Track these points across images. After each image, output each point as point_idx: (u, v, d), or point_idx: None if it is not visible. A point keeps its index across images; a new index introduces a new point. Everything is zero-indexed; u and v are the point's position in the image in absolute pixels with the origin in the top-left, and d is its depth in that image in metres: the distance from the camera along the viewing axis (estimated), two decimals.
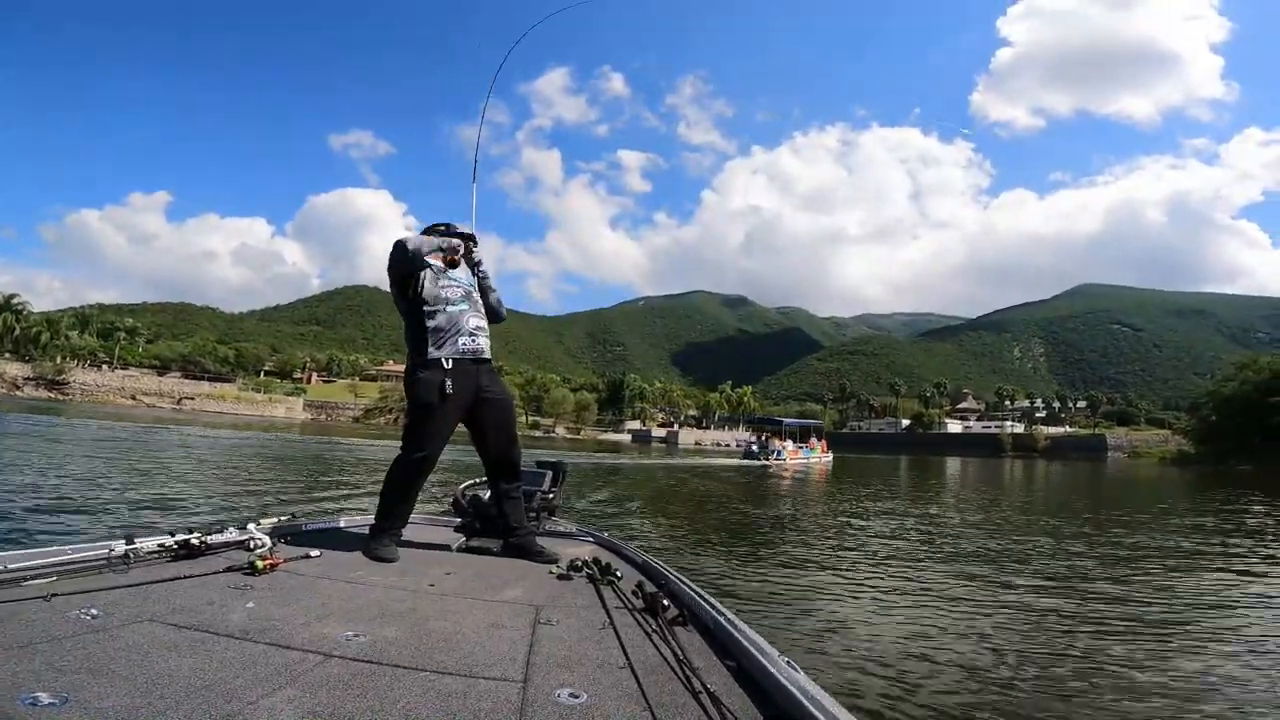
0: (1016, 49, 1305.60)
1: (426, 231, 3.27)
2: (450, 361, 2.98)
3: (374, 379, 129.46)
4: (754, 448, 38.92)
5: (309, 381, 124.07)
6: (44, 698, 1.21)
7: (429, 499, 11.18)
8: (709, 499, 15.35)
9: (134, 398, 79.18)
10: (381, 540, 2.88)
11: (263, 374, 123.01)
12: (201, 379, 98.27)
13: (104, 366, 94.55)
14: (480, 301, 3.24)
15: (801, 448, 41.18)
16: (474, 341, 3.08)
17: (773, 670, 1.54)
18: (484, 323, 3.20)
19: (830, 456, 44.34)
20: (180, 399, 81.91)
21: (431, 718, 1.31)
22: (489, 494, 3.32)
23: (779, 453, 37.50)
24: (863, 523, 11.40)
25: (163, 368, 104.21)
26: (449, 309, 3.06)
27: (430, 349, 2.99)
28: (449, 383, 2.93)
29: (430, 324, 3.02)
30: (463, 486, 3.63)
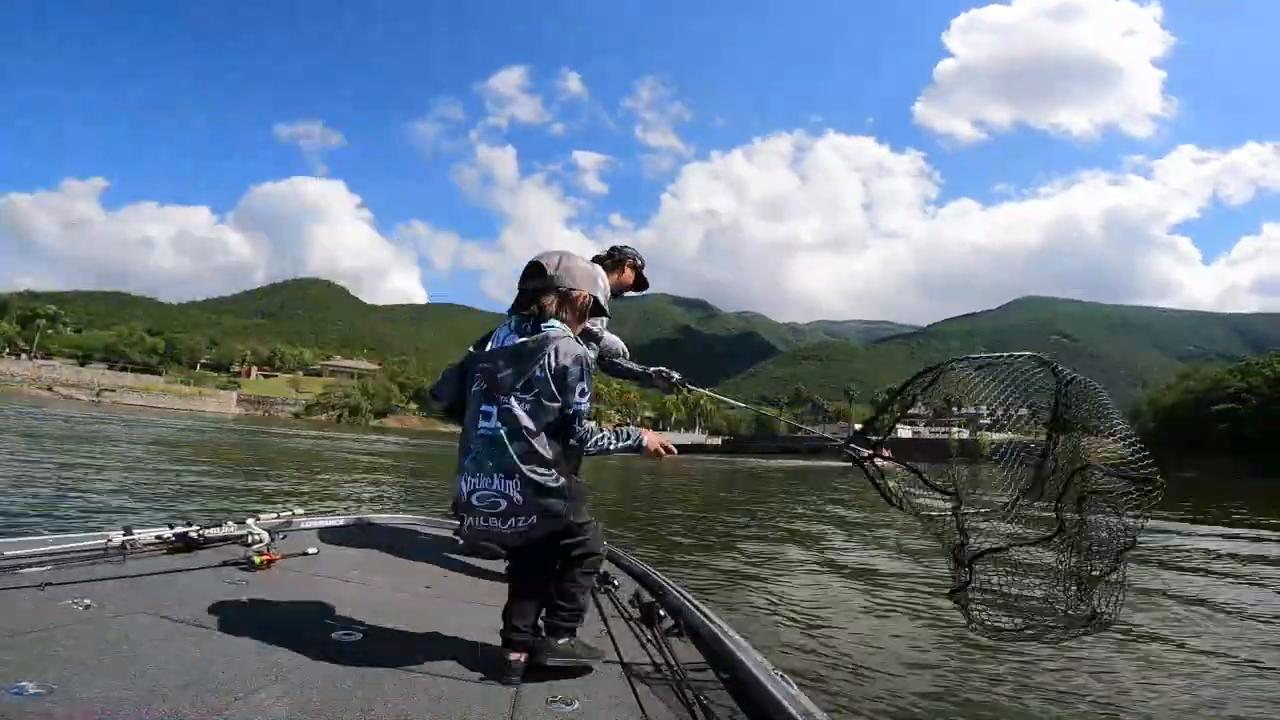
0: (959, 61, 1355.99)
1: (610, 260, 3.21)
2: None
3: (319, 374, 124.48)
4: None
5: (247, 375, 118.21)
6: (31, 687, 1.21)
7: (427, 498, 10.78)
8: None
9: (50, 389, 73.86)
10: None
11: (199, 367, 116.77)
12: (126, 371, 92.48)
13: (23, 355, 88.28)
14: None
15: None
16: None
17: (766, 684, 1.54)
18: None
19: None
20: (100, 391, 76.64)
21: (422, 719, 1.32)
22: None
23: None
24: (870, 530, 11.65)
25: (85, 358, 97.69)
26: None
27: None
28: None
29: None
30: None
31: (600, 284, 2.00)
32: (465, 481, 1.78)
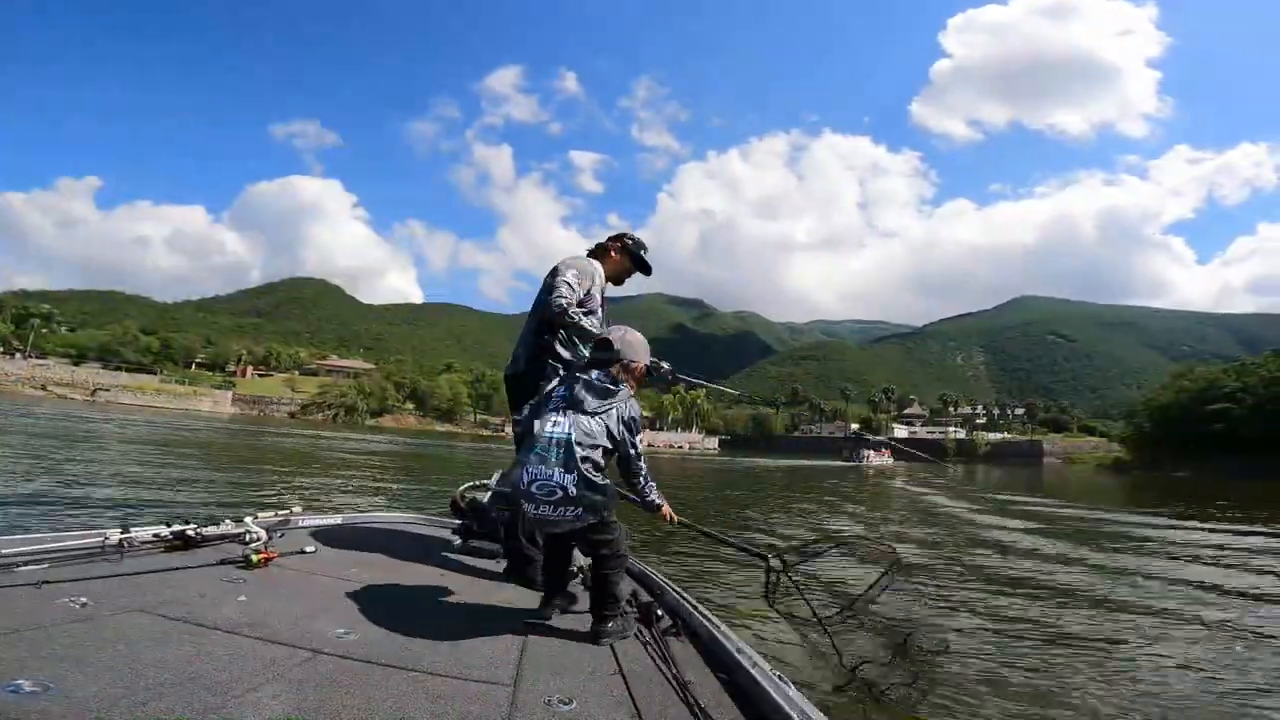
0: (955, 60, 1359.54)
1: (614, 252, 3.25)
2: None
3: (315, 374, 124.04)
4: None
5: (243, 375, 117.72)
6: (27, 685, 1.20)
7: (424, 498, 10.81)
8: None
9: (44, 388, 73.43)
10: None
11: (194, 366, 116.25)
12: (121, 370, 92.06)
13: (17, 355, 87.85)
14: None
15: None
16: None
17: (763, 684, 1.57)
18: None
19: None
20: (94, 390, 76.18)
21: (419, 718, 1.32)
22: (488, 496, 3.23)
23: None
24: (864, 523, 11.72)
25: (79, 357, 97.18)
26: None
27: None
28: None
29: None
30: (462, 488, 3.50)
31: (647, 347, 2.56)
32: (527, 472, 2.09)
